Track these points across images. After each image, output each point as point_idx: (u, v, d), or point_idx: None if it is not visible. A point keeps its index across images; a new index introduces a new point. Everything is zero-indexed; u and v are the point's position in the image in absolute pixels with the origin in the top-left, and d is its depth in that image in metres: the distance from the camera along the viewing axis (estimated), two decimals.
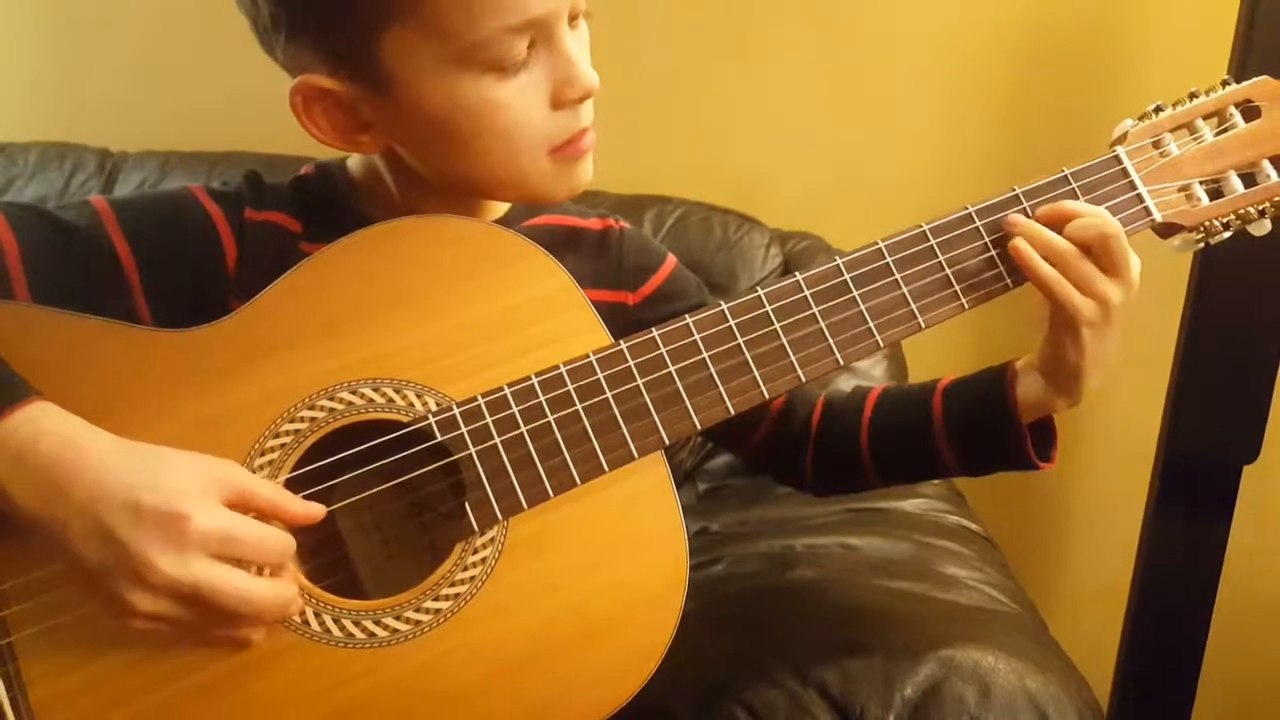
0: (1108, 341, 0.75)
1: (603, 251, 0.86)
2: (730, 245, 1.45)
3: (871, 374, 1.35)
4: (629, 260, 0.86)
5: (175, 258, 0.74)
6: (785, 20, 1.56)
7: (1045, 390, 0.78)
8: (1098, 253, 0.72)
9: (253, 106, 1.32)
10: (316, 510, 0.65)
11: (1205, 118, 0.77)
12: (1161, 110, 0.77)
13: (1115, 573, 1.55)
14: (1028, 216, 0.75)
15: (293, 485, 0.67)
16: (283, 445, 0.67)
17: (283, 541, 0.62)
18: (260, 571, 0.62)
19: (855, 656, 0.85)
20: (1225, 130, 0.77)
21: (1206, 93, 0.78)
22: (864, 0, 1.54)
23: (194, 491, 0.60)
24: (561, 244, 0.73)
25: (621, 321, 0.73)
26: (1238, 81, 0.79)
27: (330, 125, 0.73)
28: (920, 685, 0.83)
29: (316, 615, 0.66)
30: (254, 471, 0.66)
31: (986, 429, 0.81)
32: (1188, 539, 1.46)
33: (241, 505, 0.62)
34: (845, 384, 0.93)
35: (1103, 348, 0.74)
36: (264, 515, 0.63)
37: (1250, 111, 0.77)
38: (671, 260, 0.89)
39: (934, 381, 0.86)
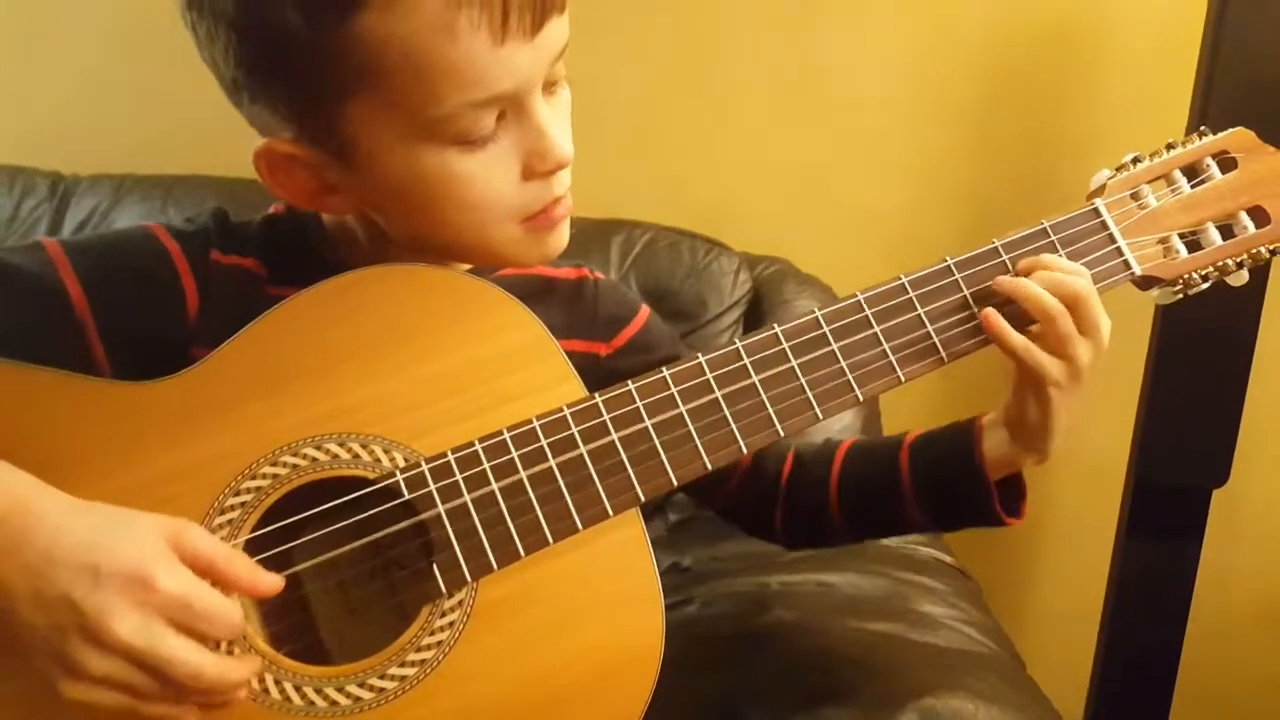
0: (1074, 400, 0.74)
1: (577, 301, 0.84)
2: (699, 270, 1.44)
3: (843, 417, 1.35)
4: (603, 311, 0.84)
5: (133, 302, 0.71)
6: (751, 43, 1.55)
7: (1011, 447, 0.78)
8: (1071, 313, 0.72)
9: (211, 129, 1.28)
10: (273, 582, 0.62)
11: (1182, 169, 0.77)
12: (1140, 161, 0.77)
13: (1087, 595, 1.56)
14: (1008, 269, 0.74)
15: (254, 545, 0.65)
16: (243, 504, 0.65)
17: (234, 619, 0.59)
18: (216, 645, 0.59)
19: (835, 708, 0.84)
20: (1202, 182, 0.77)
21: (1183, 144, 0.78)
22: (830, 22, 1.54)
23: (155, 554, 0.57)
24: (534, 294, 0.71)
25: (594, 373, 0.71)
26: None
27: (296, 188, 0.71)
28: None
29: (276, 682, 0.63)
30: (213, 531, 0.64)
31: (953, 487, 0.81)
32: (1159, 562, 1.47)
33: (196, 570, 0.59)
34: (816, 435, 0.91)
35: (1068, 406, 0.74)
36: (218, 584, 0.60)
37: (1226, 163, 0.77)
38: (645, 311, 0.87)
39: (902, 435, 0.85)
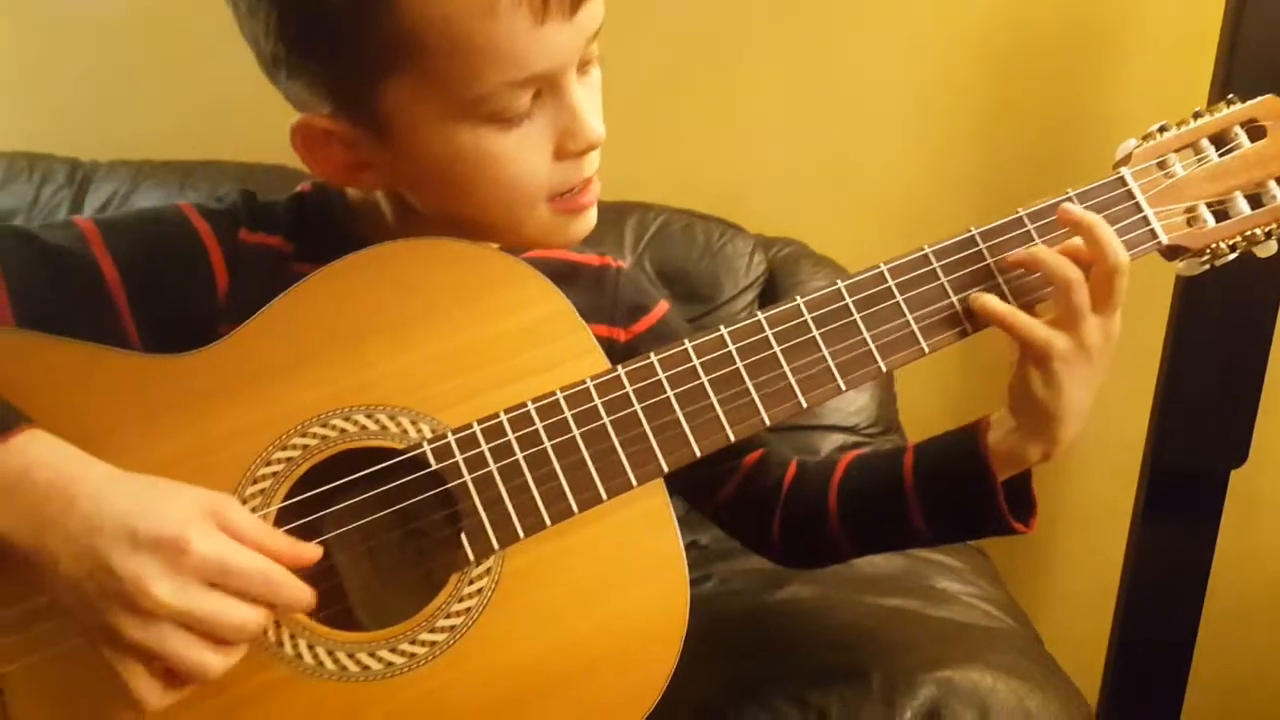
0: (1085, 381, 0.71)
1: (598, 287, 0.85)
2: (714, 253, 1.45)
3: (858, 400, 1.35)
4: (624, 298, 0.85)
5: (164, 279, 0.73)
6: (764, 25, 1.55)
7: (1016, 434, 0.75)
8: (1097, 285, 0.70)
9: (228, 114, 1.29)
10: (312, 551, 0.63)
11: (1210, 138, 0.76)
12: (1166, 130, 0.76)
13: (1104, 576, 1.56)
14: (1033, 239, 0.73)
15: (285, 514, 0.66)
16: (274, 473, 0.66)
17: (272, 575, 0.60)
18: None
19: (853, 682, 0.85)
20: (1230, 150, 0.76)
21: (1211, 112, 0.77)
22: (845, 4, 1.54)
23: (191, 519, 0.58)
24: (558, 277, 0.71)
25: (610, 358, 0.71)
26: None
27: (331, 163, 0.72)
28: (919, 710, 0.83)
29: (310, 648, 0.64)
30: (246, 500, 0.65)
31: (956, 479, 0.78)
32: (1176, 543, 1.47)
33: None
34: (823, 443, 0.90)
35: (1078, 387, 0.71)
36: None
37: (1255, 131, 0.76)
38: (665, 304, 0.88)
39: (909, 443, 0.84)
